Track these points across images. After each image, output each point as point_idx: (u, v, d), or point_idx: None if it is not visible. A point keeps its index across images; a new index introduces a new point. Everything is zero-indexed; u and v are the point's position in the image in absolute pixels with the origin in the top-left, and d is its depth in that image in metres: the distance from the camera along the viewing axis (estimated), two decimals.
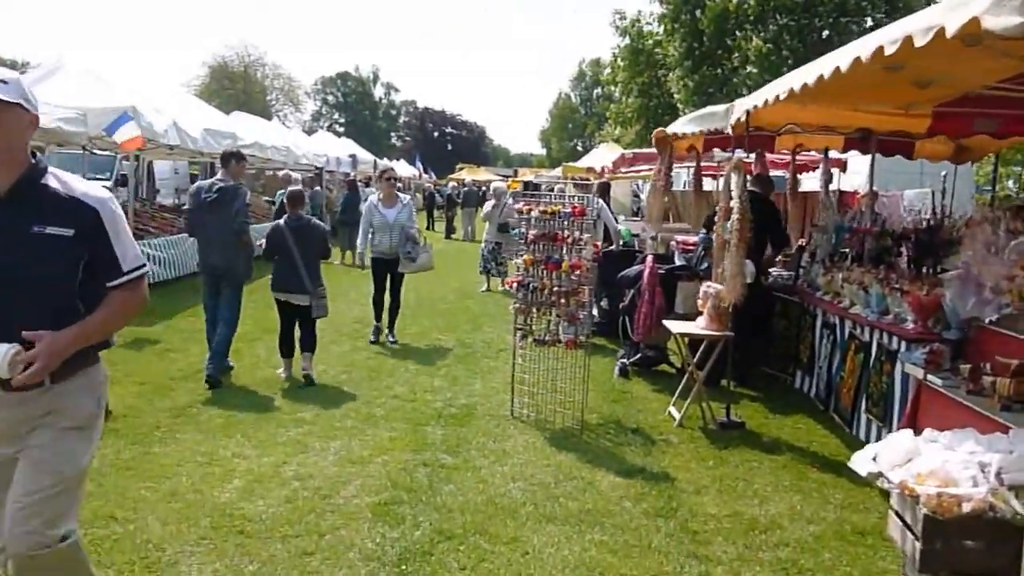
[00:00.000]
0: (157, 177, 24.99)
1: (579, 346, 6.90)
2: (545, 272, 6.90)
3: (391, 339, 10.09)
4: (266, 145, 18.75)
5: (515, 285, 7.18)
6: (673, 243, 11.96)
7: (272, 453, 6.00)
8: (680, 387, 7.48)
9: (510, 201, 14.19)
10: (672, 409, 7.37)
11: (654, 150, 10.41)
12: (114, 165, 19.64)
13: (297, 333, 8.15)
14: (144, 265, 3.10)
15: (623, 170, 17.31)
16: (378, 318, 10.20)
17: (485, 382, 8.34)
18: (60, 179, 2.94)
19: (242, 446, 6.14)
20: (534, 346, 7.12)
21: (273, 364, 8.50)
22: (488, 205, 15.97)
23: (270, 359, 8.74)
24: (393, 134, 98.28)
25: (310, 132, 47.69)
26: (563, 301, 6.83)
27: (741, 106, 7.33)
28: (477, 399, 7.68)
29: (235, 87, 79.27)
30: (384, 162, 30.49)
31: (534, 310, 7.06)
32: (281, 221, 8.21)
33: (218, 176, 8.20)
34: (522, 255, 7.04)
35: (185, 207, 10.67)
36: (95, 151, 13.79)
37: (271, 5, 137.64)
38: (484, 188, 33.46)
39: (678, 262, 10.08)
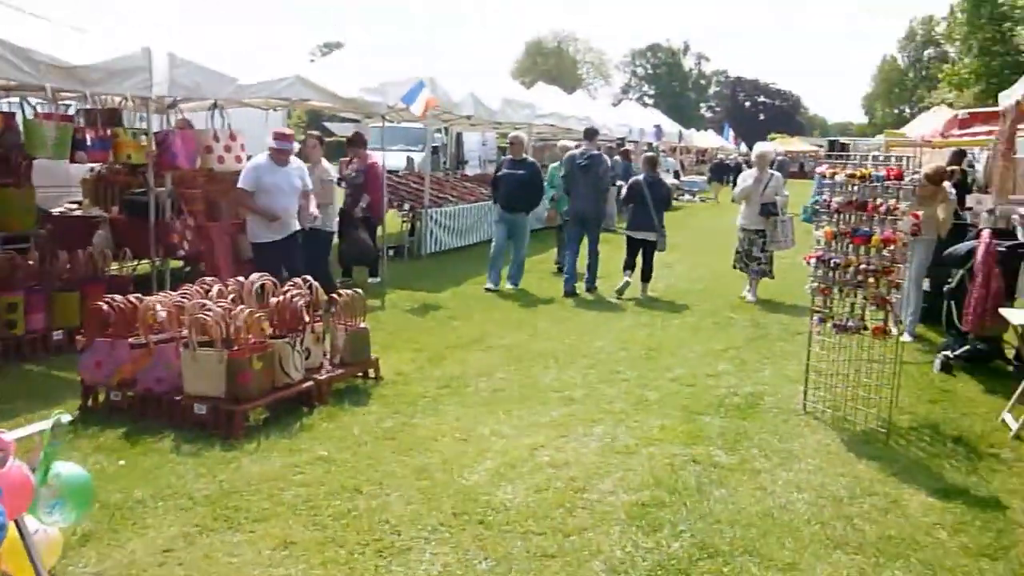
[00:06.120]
0: (465, 148, 26.15)
1: (889, 334, 5.82)
2: (851, 246, 5.88)
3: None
4: (565, 115, 18.55)
5: (813, 261, 6.18)
6: (1016, 216, 10.13)
7: (531, 434, 5.59)
8: (1020, 390, 6.15)
9: (777, 175, 10.68)
10: (1007, 416, 6.07)
11: (996, 108, 8.79)
12: (426, 137, 20.47)
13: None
14: None
15: (955, 134, 15.16)
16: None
17: (776, 368, 7.43)
18: None
19: (501, 424, 5.79)
20: (833, 332, 6.12)
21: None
22: (746, 177, 10.71)
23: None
24: (703, 105, 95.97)
25: (617, 104, 47.53)
26: (872, 281, 5.77)
27: None
28: (765, 387, 6.82)
29: (548, 63, 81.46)
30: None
31: (836, 290, 6.05)
32: (640, 177, 10.96)
33: (583, 148, 10.96)
34: (822, 227, 6.06)
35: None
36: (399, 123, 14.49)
37: None
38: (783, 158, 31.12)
39: (1023, 238, 8.44)
